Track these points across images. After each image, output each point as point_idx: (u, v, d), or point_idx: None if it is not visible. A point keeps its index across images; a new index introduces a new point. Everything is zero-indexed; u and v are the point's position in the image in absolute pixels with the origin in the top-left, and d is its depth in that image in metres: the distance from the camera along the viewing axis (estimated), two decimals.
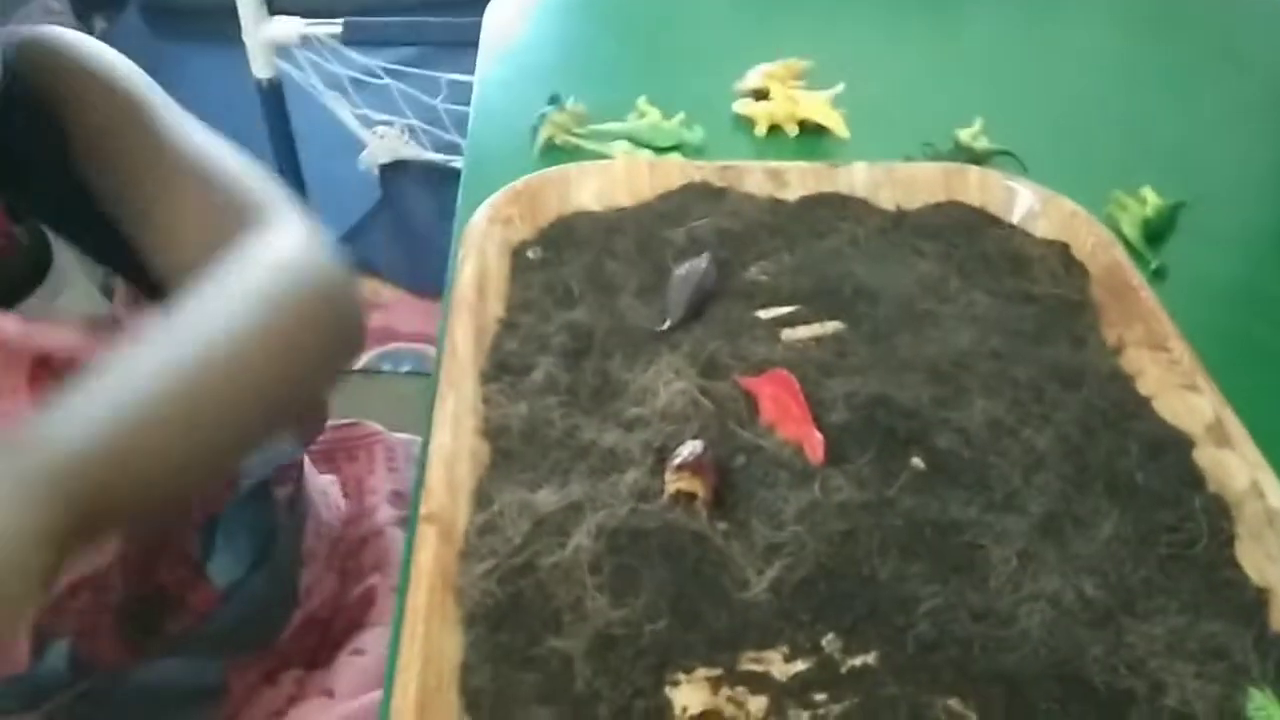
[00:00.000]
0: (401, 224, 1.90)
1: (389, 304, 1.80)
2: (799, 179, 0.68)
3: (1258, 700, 0.36)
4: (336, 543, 0.68)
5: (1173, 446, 0.52)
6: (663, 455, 0.48)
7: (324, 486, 0.69)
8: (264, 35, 1.67)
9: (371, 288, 1.86)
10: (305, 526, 0.64)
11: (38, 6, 1.91)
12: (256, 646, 0.60)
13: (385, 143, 1.79)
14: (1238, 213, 0.75)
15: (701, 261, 0.60)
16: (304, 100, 1.77)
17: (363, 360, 1.20)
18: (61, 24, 0.52)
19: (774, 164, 0.69)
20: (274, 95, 1.75)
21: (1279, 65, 0.95)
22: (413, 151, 1.76)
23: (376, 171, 1.84)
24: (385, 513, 0.70)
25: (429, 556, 0.42)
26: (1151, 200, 0.68)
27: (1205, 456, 0.51)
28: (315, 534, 0.65)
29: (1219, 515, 0.48)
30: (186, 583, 0.54)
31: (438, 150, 1.78)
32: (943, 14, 1.01)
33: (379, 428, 0.76)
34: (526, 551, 0.43)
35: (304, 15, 1.68)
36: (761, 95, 0.79)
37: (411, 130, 1.79)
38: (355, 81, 1.69)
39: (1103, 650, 0.42)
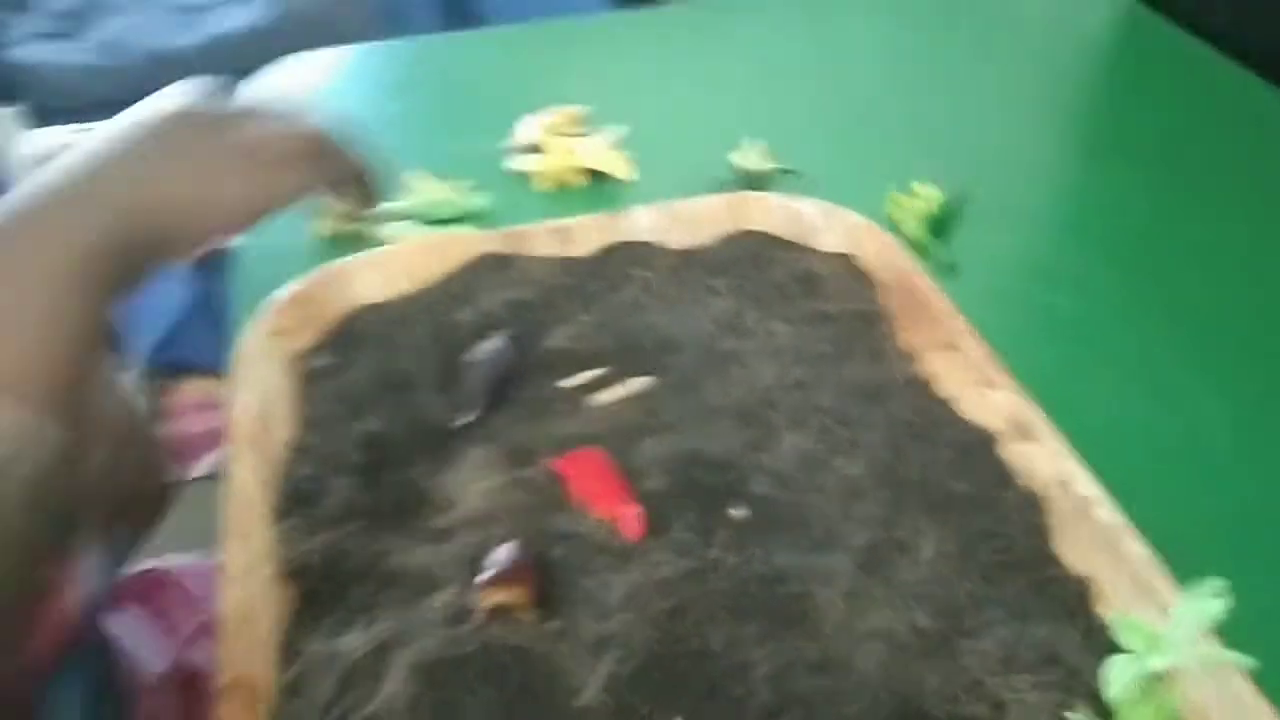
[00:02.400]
0: (222, 315, 1.81)
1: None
2: (584, 233, 0.67)
3: None
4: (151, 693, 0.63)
5: (978, 447, 0.52)
6: (475, 567, 0.45)
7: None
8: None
9: (203, 387, 1.77)
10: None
11: None
12: None
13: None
14: (1018, 196, 0.77)
15: (496, 342, 0.58)
16: None
17: (209, 466, 1.11)
18: None
19: (557, 222, 0.67)
20: None
21: (1047, 48, 1.00)
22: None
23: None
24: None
25: None
26: (930, 195, 0.70)
27: (1011, 452, 0.52)
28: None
29: (1032, 511, 0.49)
30: None
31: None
32: (713, 38, 1.02)
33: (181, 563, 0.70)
34: (336, 709, 0.40)
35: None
36: (537, 149, 0.77)
37: None
38: None
39: (940, 680, 0.42)
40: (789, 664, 0.43)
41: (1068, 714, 0.36)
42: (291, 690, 0.42)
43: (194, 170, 0.41)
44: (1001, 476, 0.51)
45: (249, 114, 0.44)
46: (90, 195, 0.39)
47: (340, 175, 0.48)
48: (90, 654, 0.55)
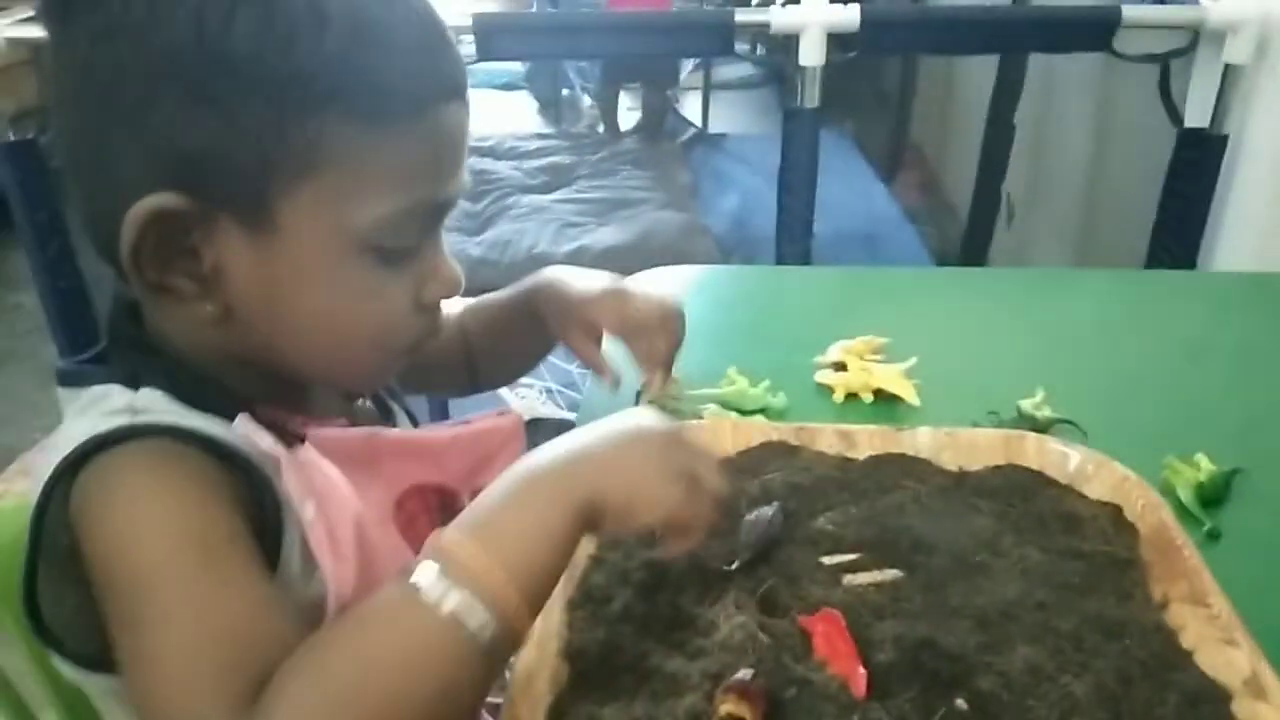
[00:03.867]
0: None
1: None
2: (867, 440, 0.76)
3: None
4: None
5: (1210, 698, 0.54)
6: (718, 682, 0.53)
7: None
8: None
9: None
10: None
11: None
12: None
13: (525, 402, 1.97)
14: (1271, 480, 0.78)
15: (769, 509, 0.68)
16: None
17: None
18: None
19: (845, 426, 0.77)
20: None
21: None
22: (549, 411, 1.93)
23: None
24: None
25: None
26: (1205, 466, 0.73)
27: (1243, 709, 0.53)
28: None
29: None
30: None
31: (571, 409, 1.95)
32: (1012, 295, 1.11)
33: None
34: None
35: None
36: (840, 367, 0.88)
37: (548, 391, 1.97)
38: None
39: None
40: None
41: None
42: None
43: (639, 479, 0.54)
44: None
45: (680, 435, 0.58)
46: (574, 475, 0.52)
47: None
48: None
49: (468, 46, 1.46)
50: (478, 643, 0.46)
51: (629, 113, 4.36)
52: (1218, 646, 0.57)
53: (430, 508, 0.66)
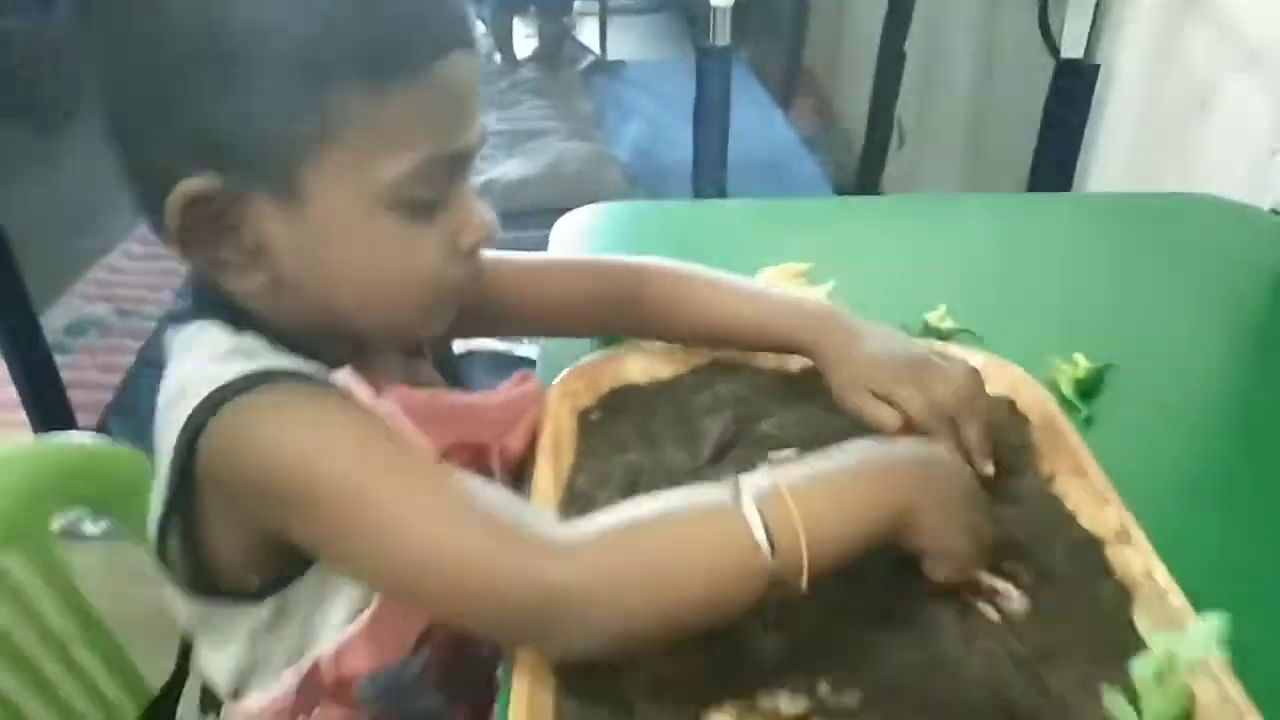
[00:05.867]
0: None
1: None
2: (799, 358, 0.87)
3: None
4: None
5: (1089, 546, 0.67)
6: None
7: None
8: None
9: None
10: None
11: None
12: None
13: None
14: (1161, 379, 0.92)
15: (723, 418, 0.78)
16: None
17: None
18: None
19: None
20: None
21: (1222, 273, 1.14)
22: (480, 343, 1.99)
23: None
24: None
25: None
26: (1082, 364, 0.86)
27: (1114, 553, 0.67)
28: None
29: (1123, 595, 0.64)
30: None
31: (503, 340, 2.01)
32: (911, 220, 1.23)
33: None
34: None
35: None
36: None
37: None
38: None
39: (1022, 690, 0.57)
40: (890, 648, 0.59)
41: (1105, 685, 0.50)
42: None
43: (952, 522, 0.61)
44: (1104, 569, 0.66)
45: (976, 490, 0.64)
46: (889, 485, 0.60)
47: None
48: None
49: None
50: (760, 577, 0.55)
51: (526, 40, 4.34)
52: (1094, 507, 0.70)
53: (464, 463, 0.70)
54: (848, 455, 0.61)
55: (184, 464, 0.57)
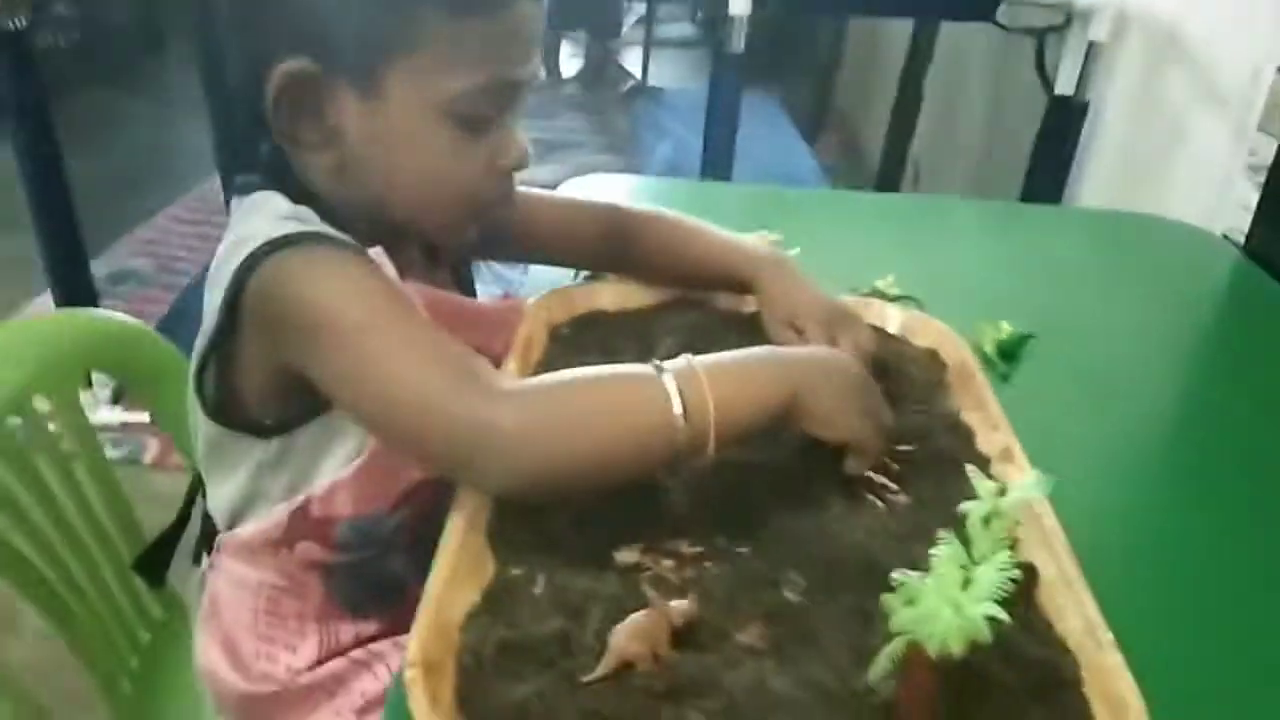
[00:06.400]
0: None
1: None
2: (754, 301, 0.97)
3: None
4: None
5: (979, 462, 0.77)
6: None
7: None
8: None
9: None
10: None
11: None
12: None
13: None
14: (1079, 350, 1.02)
15: (676, 341, 0.89)
16: None
17: None
18: None
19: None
20: None
21: (1156, 270, 1.24)
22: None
23: None
24: None
25: None
26: (1005, 329, 0.96)
27: (997, 470, 0.76)
28: None
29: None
30: None
31: None
32: (875, 211, 1.34)
33: None
34: None
35: None
36: None
37: None
38: None
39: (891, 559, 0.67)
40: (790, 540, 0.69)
41: (942, 533, 0.59)
42: None
43: (842, 403, 0.70)
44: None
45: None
46: (797, 373, 0.70)
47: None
48: None
49: None
50: (673, 440, 0.64)
51: (571, 60, 4.52)
52: (987, 434, 0.80)
53: None
54: (757, 350, 0.72)
55: (233, 298, 0.67)
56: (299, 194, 0.71)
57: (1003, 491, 0.59)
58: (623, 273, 0.97)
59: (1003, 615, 0.51)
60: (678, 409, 0.64)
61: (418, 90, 0.67)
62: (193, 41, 2.15)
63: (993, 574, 0.53)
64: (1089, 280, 1.22)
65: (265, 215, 0.69)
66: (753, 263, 0.90)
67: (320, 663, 0.78)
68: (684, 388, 0.65)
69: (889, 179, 2.81)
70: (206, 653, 0.80)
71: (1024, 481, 0.60)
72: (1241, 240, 1.29)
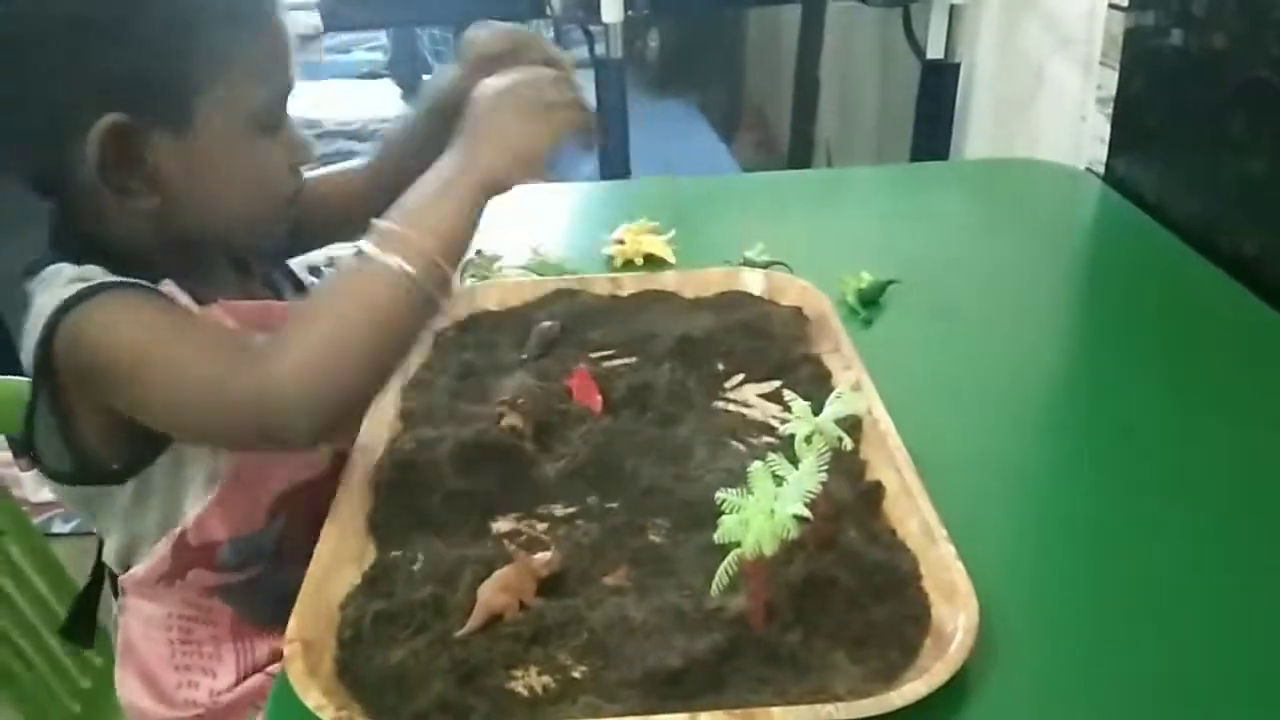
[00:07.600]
0: None
1: None
2: (631, 284, 1.02)
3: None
4: None
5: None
6: (503, 408, 0.79)
7: None
8: None
9: None
10: None
11: None
12: None
13: None
14: (939, 291, 1.07)
15: (554, 324, 0.94)
16: None
17: None
18: None
19: (614, 275, 1.03)
20: None
21: (1025, 208, 1.31)
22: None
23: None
24: None
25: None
26: (866, 278, 1.02)
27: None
28: None
29: (855, 431, 0.78)
30: None
31: None
32: (744, 188, 1.40)
33: None
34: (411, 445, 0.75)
35: None
36: (620, 243, 1.15)
37: None
38: None
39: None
40: (663, 475, 0.74)
41: (771, 455, 0.64)
42: (400, 452, 0.76)
43: (513, 136, 0.70)
44: None
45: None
46: (471, 164, 0.70)
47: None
48: None
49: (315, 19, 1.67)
50: (413, 296, 0.66)
51: None
52: (840, 371, 0.85)
53: None
54: (438, 161, 0.71)
55: (40, 367, 0.69)
56: (83, 252, 0.73)
57: (817, 410, 0.65)
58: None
59: (807, 514, 0.56)
60: (400, 267, 0.66)
61: (226, 112, 0.71)
62: None
63: (801, 480, 0.58)
64: (968, 227, 1.28)
65: (53, 286, 0.70)
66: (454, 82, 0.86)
67: (240, 681, 0.82)
68: (388, 245, 0.66)
69: (802, 164, 2.88)
70: (126, 687, 0.83)
71: (838, 400, 0.66)
72: (1101, 171, 1.35)
